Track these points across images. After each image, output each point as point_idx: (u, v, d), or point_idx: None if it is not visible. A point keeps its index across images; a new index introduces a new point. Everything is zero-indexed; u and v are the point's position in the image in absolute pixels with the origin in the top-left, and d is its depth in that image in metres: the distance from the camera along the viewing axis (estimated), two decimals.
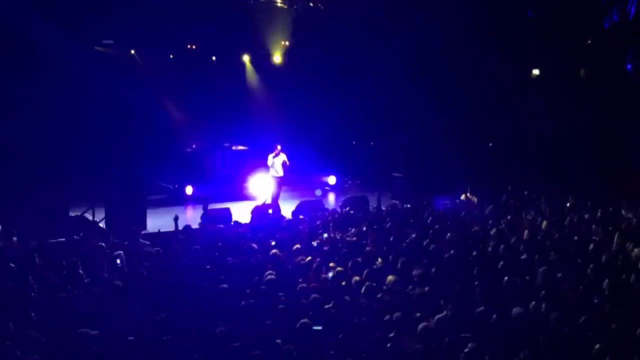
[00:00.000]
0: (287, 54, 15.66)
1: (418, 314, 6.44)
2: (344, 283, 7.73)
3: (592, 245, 9.15)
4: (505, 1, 14.93)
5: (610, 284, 7.28)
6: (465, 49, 16.18)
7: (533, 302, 6.88)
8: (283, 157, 14.64)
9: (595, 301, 6.91)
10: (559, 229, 10.49)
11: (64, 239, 10.31)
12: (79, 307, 6.80)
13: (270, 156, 14.72)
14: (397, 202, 14.19)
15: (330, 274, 8.18)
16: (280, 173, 14.64)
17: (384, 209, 13.27)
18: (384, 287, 7.42)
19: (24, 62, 12.84)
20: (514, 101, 17.33)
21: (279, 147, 14.71)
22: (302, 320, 6.15)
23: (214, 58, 18.25)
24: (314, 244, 9.74)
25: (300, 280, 7.75)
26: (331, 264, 8.48)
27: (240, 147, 17.25)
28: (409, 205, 13.32)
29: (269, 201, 14.45)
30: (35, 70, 13.05)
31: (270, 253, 8.88)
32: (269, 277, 7.61)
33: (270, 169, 14.76)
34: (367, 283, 7.35)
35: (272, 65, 19.38)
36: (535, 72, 18.21)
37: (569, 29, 14.51)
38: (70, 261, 8.04)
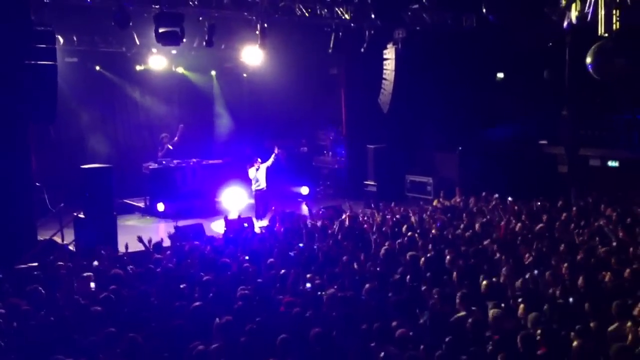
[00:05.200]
0: (259, 64, 15.60)
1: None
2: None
3: (563, 245, 9.26)
4: (467, 9, 15.22)
5: (586, 281, 7.36)
6: (432, 56, 16.38)
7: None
8: (264, 165, 14.43)
9: (571, 300, 6.97)
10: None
11: (33, 264, 10.00)
12: (50, 332, 6.60)
13: (252, 169, 14.42)
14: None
15: (308, 285, 8.13)
16: (264, 185, 14.40)
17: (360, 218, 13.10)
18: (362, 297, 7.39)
19: None
20: (481, 105, 17.59)
21: (259, 160, 14.46)
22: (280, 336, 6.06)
23: (184, 72, 18.20)
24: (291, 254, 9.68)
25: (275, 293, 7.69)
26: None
27: (212, 161, 16.96)
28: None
29: (254, 217, 13.81)
30: None
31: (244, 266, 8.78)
32: (241, 292, 7.48)
33: (254, 182, 14.51)
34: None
35: (242, 77, 19.36)
36: (500, 75, 18.51)
37: (530, 32, 14.79)
38: (38, 286, 7.80)
